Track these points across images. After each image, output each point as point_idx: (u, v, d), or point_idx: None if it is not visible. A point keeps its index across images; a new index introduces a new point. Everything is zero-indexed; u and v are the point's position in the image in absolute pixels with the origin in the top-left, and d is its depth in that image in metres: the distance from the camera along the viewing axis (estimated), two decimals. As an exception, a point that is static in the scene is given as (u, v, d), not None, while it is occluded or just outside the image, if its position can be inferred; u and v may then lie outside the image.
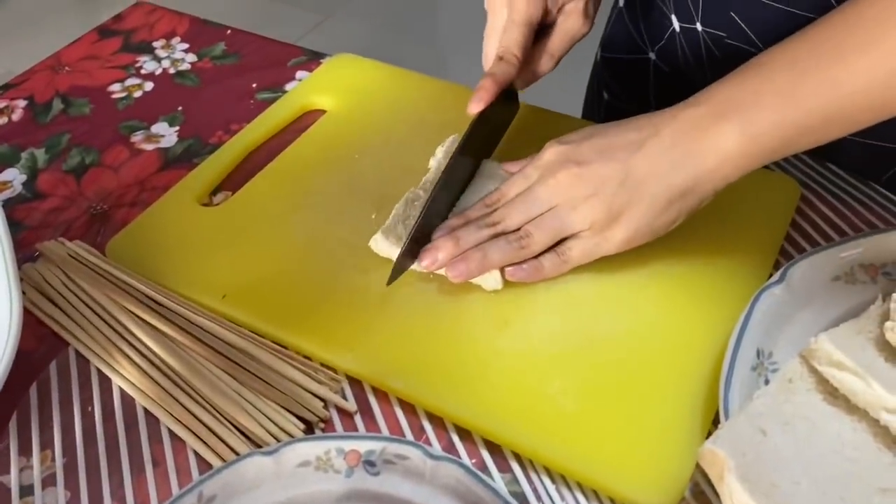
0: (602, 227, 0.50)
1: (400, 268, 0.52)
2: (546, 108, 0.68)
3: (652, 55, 0.74)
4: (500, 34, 0.58)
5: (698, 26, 0.65)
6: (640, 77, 0.76)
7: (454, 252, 0.51)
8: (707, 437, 0.43)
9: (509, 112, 0.62)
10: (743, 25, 0.62)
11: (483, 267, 0.51)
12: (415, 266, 0.52)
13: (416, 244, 0.52)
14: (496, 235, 0.51)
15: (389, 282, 0.51)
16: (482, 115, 0.57)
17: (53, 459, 0.47)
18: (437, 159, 0.60)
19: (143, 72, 0.76)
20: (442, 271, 0.52)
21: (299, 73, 0.74)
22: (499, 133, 0.62)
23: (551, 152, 0.52)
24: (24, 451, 0.48)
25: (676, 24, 0.68)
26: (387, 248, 0.54)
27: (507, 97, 0.59)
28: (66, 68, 0.77)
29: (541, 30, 0.59)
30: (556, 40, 0.59)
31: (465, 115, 0.67)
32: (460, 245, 0.51)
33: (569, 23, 0.59)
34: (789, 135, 0.47)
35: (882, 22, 0.43)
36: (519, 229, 0.51)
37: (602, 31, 0.81)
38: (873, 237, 0.52)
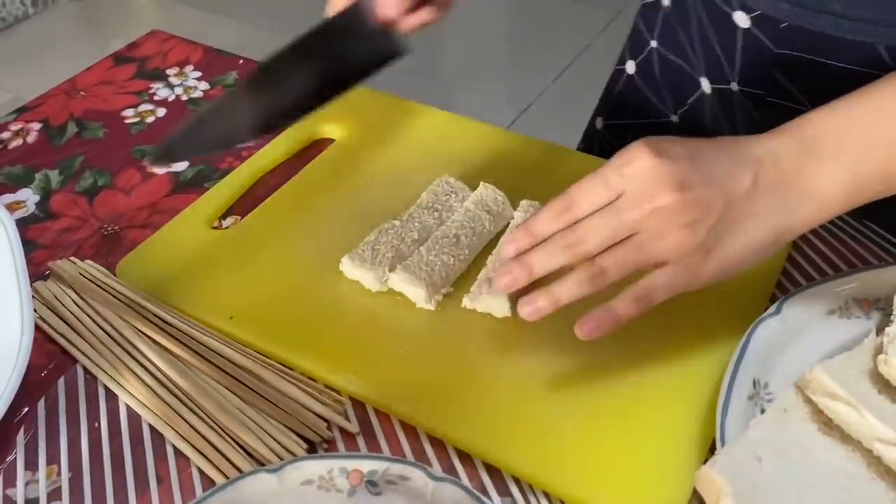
0: (692, 262, 0.45)
1: None
2: (553, 143, 0.69)
3: (674, 118, 0.73)
4: None
5: (734, 86, 0.65)
6: None
7: (528, 279, 0.47)
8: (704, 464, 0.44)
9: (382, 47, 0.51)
10: (786, 83, 0.62)
11: (555, 307, 0.46)
12: (490, 297, 0.52)
13: None
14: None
15: None
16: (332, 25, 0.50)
17: (59, 474, 0.48)
18: (429, 195, 0.62)
19: (156, 98, 0.78)
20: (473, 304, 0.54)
21: (309, 103, 0.76)
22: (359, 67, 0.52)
23: (646, 162, 0.44)
24: (31, 465, 0.49)
25: (707, 87, 0.67)
26: (352, 269, 0.56)
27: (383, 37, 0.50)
28: (81, 93, 0.79)
29: None
30: None
31: (471, 147, 0.69)
32: (535, 273, 0.47)
33: None
34: (889, 186, 0.46)
35: None
36: (592, 259, 0.46)
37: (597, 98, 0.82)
38: (867, 272, 0.54)
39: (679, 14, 0.70)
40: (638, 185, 0.44)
